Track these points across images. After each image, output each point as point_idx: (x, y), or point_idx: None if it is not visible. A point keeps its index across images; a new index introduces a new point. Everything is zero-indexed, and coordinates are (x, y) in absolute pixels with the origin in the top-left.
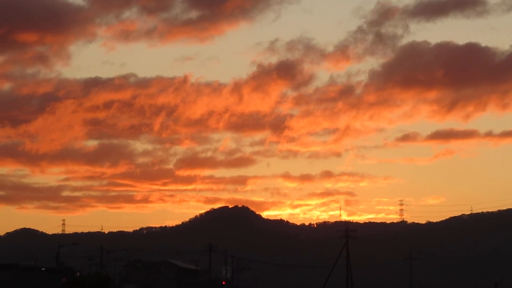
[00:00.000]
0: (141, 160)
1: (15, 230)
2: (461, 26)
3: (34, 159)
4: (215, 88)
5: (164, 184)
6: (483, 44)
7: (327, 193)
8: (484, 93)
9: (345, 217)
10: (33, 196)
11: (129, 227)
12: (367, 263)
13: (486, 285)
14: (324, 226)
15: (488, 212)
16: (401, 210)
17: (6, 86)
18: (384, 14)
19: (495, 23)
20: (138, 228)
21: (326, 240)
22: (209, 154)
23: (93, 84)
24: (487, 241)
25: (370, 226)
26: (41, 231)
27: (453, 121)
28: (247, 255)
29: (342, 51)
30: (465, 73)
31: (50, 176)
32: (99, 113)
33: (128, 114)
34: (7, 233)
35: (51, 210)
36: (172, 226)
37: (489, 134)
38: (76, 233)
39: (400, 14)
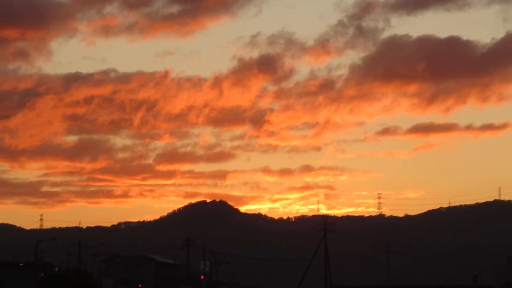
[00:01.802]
0: (120, 155)
1: None
2: (442, 19)
3: (13, 154)
4: (195, 83)
5: (144, 179)
6: (464, 38)
7: (306, 187)
8: (464, 87)
9: (324, 211)
10: (12, 191)
11: (108, 222)
12: (346, 257)
13: (465, 279)
14: (303, 220)
15: (466, 205)
16: (379, 203)
17: None
18: (365, 7)
19: (477, 16)
20: (116, 223)
21: (304, 234)
22: (188, 149)
23: (74, 80)
24: (465, 234)
25: (348, 219)
26: (19, 226)
27: (433, 114)
28: (226, 249)
29: (322, 45)
30: (446, 67)
31: (29, 171)
32: (79, 108)
33: (108, 110)
34: None
35: (30, 206)
36: (151, 221)
37: (469, 128)
38: (54, 228)
39: (381, 8)
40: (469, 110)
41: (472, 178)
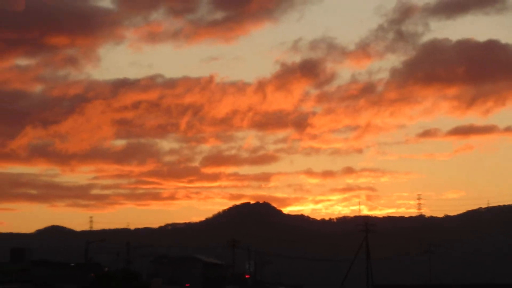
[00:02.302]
0: (167, 158)
1: (45, 228)
2: (481, 23)
3: (64, 158)
4: (239, 87)
5: (190, 181)
6: (503, 41)
7: (348, 189)
8: (503, 89)
9: (365, 212)
10: (63, 194)
11: (155, 224)
12: (386, 257)
13: (505, 278)
14: (345, 221)
15: (504, 205)
16: (419, 204)
17: (38, 88)
18: (405, 12)
19: None
20: (163, 225)
21: (346, 234)
22: (233, 152)
23: (121, 85)
24: (504, 234)
25: (389, 220)
26: (70, 228)
27: (473, 116)
28: (269, 249)
29: (363, 49)
30: (485, 70)
31: (79, 175)
32: (127, 113)
33: (155, 114)
34: (38, 230)
35: (80, 208)
36: (197, 222)
37: (508, 129)
38: (104, 229)
39: (421, 12)
40: (509, 112)
41: (511, 179)
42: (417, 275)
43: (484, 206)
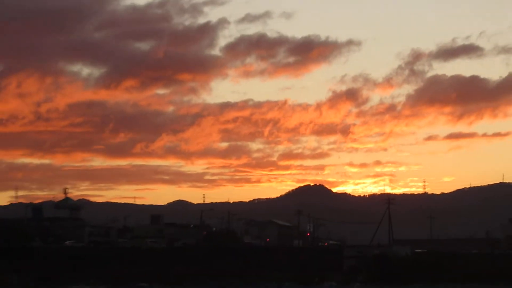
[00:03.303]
0: (255, 155)
1: (174, 201)
2: (467, 64)
3: (187, 155)
4: (304, 107)
5: (270, 170)
6: (482, 76)
7: (377, 175)
8: (482, 108)
9: (388, 191)
10: (186, 179)
11: (247, 199)
12: (402, 220)
13: (482, 234)
14: (374, 197)
15: (482, 186)
16: (424, 185)
17: (170, 108)
18: (416, 56)
19: (488, 60)
20: (252, 199)
21: (375, 206)
22: (299, 150)
23: (225, 106)
24: (480, 205)
25: (404, 196)
26: (190, 202)
27: (461, 126)
28: (323, 216)
29: (388, 81)
30: (469, 96)
31: (197, 166)
32: (229, 125)
33: (247, 125)
34: (168, 203)
35: (197, 188)
36: (275, 198)
37: (484, 135)
38: (213, 202)
39: (426, 57)
40: (485, 123)
41: (485, 168)
42: (423, 233)
43: (467, 186)
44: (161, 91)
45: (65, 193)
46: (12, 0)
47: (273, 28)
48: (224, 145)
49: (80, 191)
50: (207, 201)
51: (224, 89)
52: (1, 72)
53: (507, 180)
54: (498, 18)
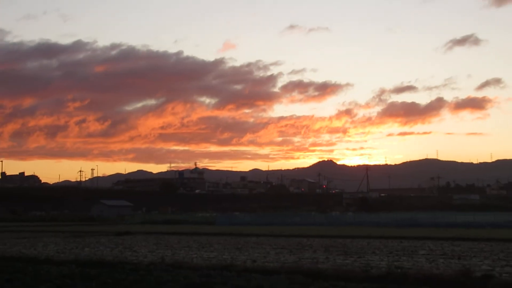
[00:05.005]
0: (296, 144)
1: (252, 169)
2: (408, 95)
3: (260, 144)
4: (323, 119)
5: (304, 152)
6: (416, 102)
7: (361, 154)
8: None
9: (367, 163)
10: (259, 157)
11: (291, 167)
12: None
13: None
14: (360, 167)
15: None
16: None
17: (251, 120)
18: (382, 91)
19: (420, 94)
20: (294, 168)
21: (360, 171)
22: (320, 141)
23: (281, 118)
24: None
25: (376, 166)
26: (261, 169)
27: None
28: (332, 177)
29: (367, 104)
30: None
31: (265, 150)
32: (282, 128)
33: (292, 128)
34: (249, 170)
35: (265, 162)
36: (306, 167)
37: None
38: (272, 170)
39: (388, 91)
40: None
41: None
42: (385, 185)
43: (408, 160)
44: (247, 110)
45: (195, 164)
46: (169, 63)
47: (306, 77)
48: (279, 139)
49: (203, 163)
50: (270, 169)
51: (280, 109)
52: (164, 101)
53: (430, 157)
54: (425, 70)
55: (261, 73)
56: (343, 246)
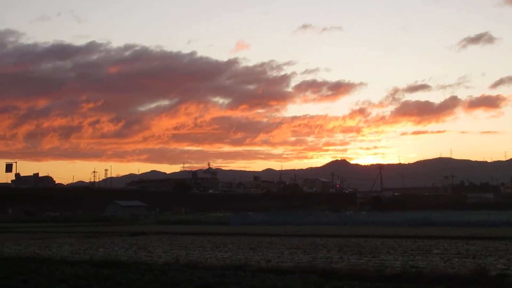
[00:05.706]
0: (310, 144)
1: (266, 169)
2: (422, 94)
3: (273, 144)
4: (336, 118)
5: (318, 151)
6: (430, 101)
7: (375, 154)
8: None
9: (381, 162)
10: (273, 157)
11: (305, 167)
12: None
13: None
14: (373, 166)
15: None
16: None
17: (265, 120)
18: (396, 90)
19: (433, 92)
20: (307, 167)
21: (374, 171)
22: (333, 141)
23: (294, 118)
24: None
25: (389, 166)
26: (274, 169)
27: None
28: (346, 176)
29: (381, 103)
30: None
31: (279, 150)
32: (296, 128)
33: (306, 128)
34: (263, 170)
35: (278, 161)
36: (320, 166)
37: None
38: (285, 170)
39: (401, 91)
40: None
41: None
42: (399, 185)
43: (422, 159)
44: (260, 110)
45: (208, 165)
46: (182, 63)
47: (320, 76)
48: (293, 138)
49: (217, 163)
50: (283, 168)
51: (293, 109)
52: (178, 101)
53: (444, 156)
54: (438, 69)
55: (274, 73)
56: (357, 245)
